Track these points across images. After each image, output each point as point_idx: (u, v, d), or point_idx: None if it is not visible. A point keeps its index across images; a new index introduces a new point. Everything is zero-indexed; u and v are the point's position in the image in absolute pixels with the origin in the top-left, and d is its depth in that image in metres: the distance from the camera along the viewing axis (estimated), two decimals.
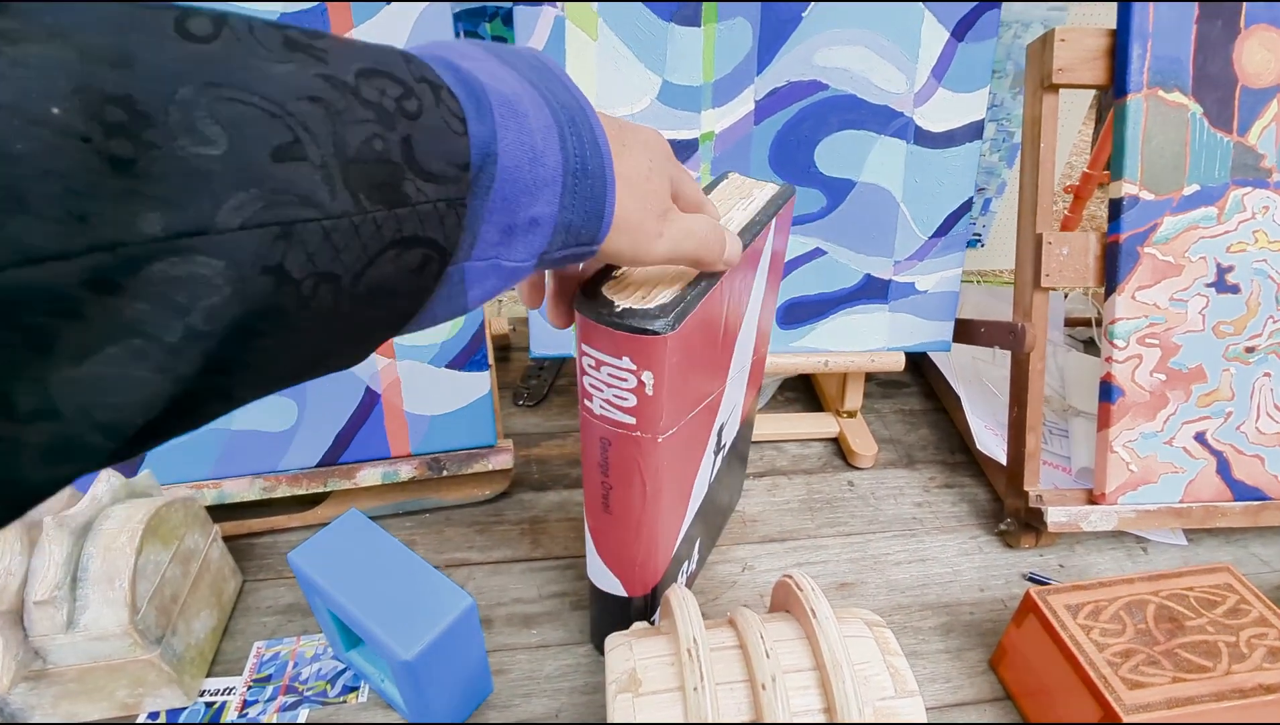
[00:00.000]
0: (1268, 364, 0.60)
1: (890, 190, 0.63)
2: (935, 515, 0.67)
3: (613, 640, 0.41)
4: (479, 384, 0.60)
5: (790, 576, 0.43)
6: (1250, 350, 0.59)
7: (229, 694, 0.49)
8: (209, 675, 0.50)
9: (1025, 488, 0.61)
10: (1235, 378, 0.60)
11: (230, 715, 0.48)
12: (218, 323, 0.16)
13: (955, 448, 0.76)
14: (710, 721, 0.35)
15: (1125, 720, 0.42)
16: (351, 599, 0.42)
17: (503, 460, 0.61)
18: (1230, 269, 0.58)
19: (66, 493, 0.46)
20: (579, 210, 0.25)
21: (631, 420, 0.35)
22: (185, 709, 0.48)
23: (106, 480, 0.47)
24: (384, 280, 0.19)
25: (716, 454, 0.47)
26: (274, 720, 0.48)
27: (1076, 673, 0.45)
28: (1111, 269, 0.58)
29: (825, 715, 0.36)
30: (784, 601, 0.44)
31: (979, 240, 2.19)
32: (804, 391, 0.83)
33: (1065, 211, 2.05)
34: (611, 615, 0.47)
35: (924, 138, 0.62)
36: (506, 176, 0.22)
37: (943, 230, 0.65)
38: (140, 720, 0.47)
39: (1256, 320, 0.59)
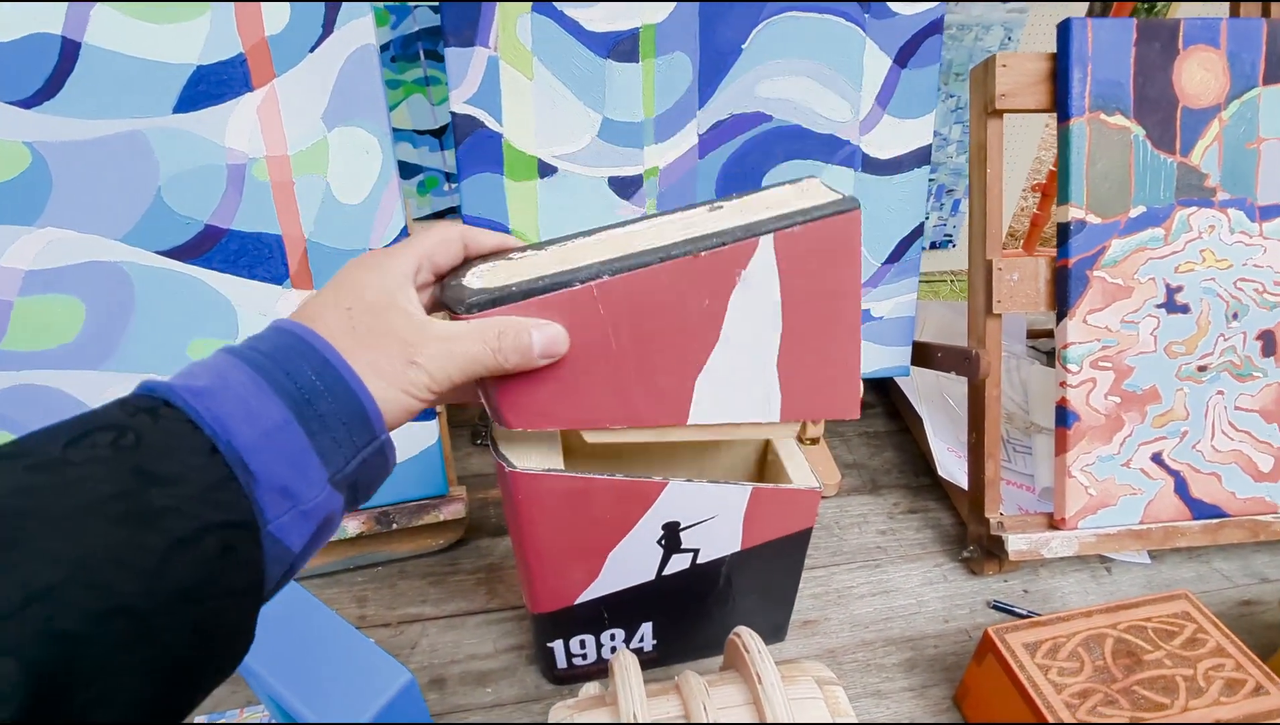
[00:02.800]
0: (1220, 382, 0.60)
1: None
2: (900, 543, 0.66)
3: (556, 713, 0.40)
4: (426, 434, 0.59)
5: (739, 635, 0.42)
6: (1203, 369, 0.59)
7: None
8: None
9: (986, 514, 0.61)
10: (1189, 397, 0.59)
11: None
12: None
13: (920, 470, 0.75)
14: None
15: None
16: (283, 680, 0.40)
17: (454, 510, 0.60)
18: (1179, 289, 0.58)
19: None
20: (335, 421, 0.25)
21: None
22: None
23: None
24: (191, 580, 0.20)
25: (669, 551, 0.45)
26: None
27: (1035, 715, 0.45)
28: (1062, 293, 0.58)
29: None
30: (733, 660, 0.43)
31: (950, 241, 2.20)
32: None
33: (1034, 210, 2.06)
34: (532, 625, 0.50)
35: (872, 165, 0.61)
36: (242, 441, 0.23)
37: (895, 256, 0.64)
38: None
39: (1207, 339, 0.59)
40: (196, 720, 0.50)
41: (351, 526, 0.57)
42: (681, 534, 0.45)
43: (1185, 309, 0.58)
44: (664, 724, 0.37)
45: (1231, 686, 0.45)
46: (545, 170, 0.57)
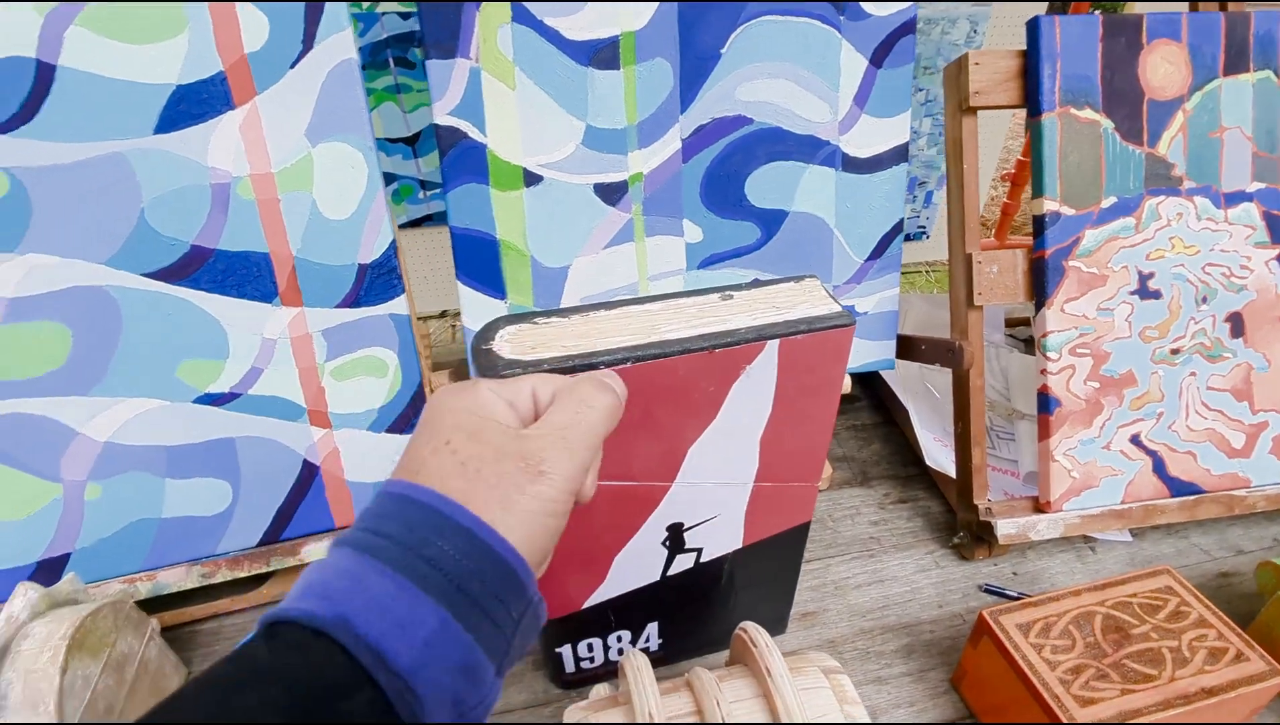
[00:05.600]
0: (1193, 363, 0.62)
1: (823, 217, 0.63)
2: (892, 533, 0.68)
3: (571, 714, 0.40)
4: None
5: (745, 630, 0.43)
6: (1175, 352, 0.61)
7: None
8: None
9: (975, 501, 0.62)
10: (1164, 379, 0.61)
11: None
12: None
13: (908, 460, 0.77)
14: None
15: None
16: None
17: None
18: (1151, 275, 0.60)
19: None
20: (491, 600, 0.23)
21: None
22: None
23: (24, 594, 0.44)
24: None
25: (673, 551, 0.46)
26: None
27: (1031, 693, 0.46)
28: (1040, 284, 0.59)
29: None
30: (740, 655, 0.43)
31: (924, 232, 2.23)
32: None
33: (1005, 199, 2.09)
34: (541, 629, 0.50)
35: (851, 164, 0.62)
36: (402, 661, 0.20)
37: (877, 252, 0.66)
38: None
39: (1179, 322, 0.61)
40: None
41: None
42: (685, 534, 0.45)
43: (1157, 295, 0.60)
44: (680, 723, 0.38)
45: (1214, 655, 0.47)
46: (531, 179, 0.57)
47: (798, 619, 0.60)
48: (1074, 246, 0.59)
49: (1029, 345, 0.92)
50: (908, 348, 0.69)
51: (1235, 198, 0.61)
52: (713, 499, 0.44)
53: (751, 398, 0.39)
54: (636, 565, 0.46)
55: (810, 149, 0.61)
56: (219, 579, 0.55)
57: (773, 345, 0.37)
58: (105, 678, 0.45)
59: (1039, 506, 0.62)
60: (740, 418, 0.40)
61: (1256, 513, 0.65)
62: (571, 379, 0.30)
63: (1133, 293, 0.60)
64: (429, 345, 1.08)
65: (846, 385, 0.68)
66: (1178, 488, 0.63)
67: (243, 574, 0.56)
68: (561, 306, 0.54)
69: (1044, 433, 0.61)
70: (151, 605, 0.55)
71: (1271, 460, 0.64)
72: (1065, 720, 0.44)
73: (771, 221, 0.63)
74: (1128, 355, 0.60)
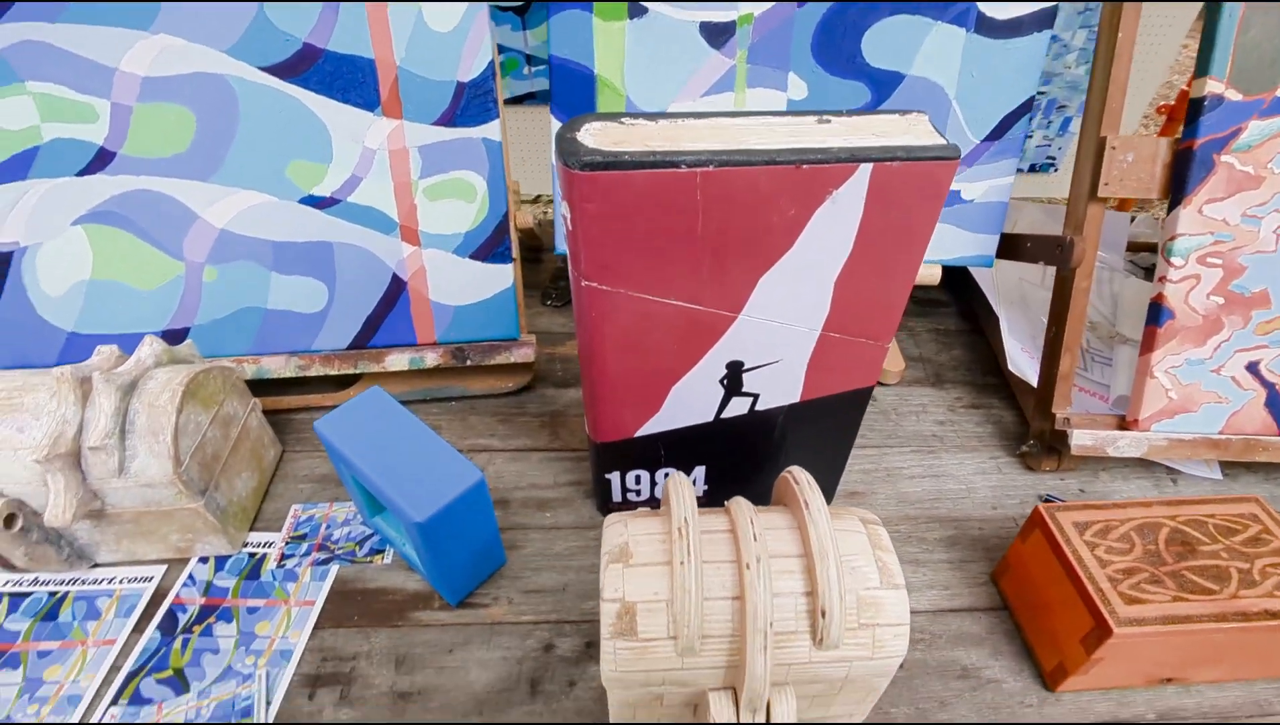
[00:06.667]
0: None
1: (942, 85, 0.58)
2: (957, 434, 0.66)
3: (611, 518, 0.43)
4: (502, 277, 0.61)
5: (790, 471, 0.43)
6: None
7: (269, 547, 0.54)
8: (252, 529, 0.55)
9: (1054, 410, 0.60)
10: None
11: (270, 565, 0.53)
12: None
13: (988, 370, 0.73)
14: (693, 594, 0.36)
15: (1116, 631, 0.42)
16: (371, 466, 0.45)
17: (525, 353, 0.63)
18: None
19: (114, 354, 0.50)
20: None
21: (566, 249, 0.38)
22: (231, 557, 0.53)
23: (150, 345, 0.50)
24: None
25: (729, 392, 0.47)
26: (309, 573, 0.52)
27: (1074, 585, 0.45)
28: (1180, 178, 0.53)
29: (807, 599, 0.38)
30: (782, 496, 0.44)
31: (1053, 164, 2.02)
32: None
33: (1155, 135, 1.87)
34: (592, 454, 0.53)
35: (986, 26, 0.56)
36: None
37: (997, 133, 0.60)
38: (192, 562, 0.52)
39: None
40: (295, 505, 0.57)
41: (430, 357, 0.61)
42: (744, 376, 0.46)
43: None
44: (711, 532, 0.40)
45: None
46: (635, 10, 0.55)
47: (844, 496, 0.60)
48: (1231, 139, 0.52)
49: (1149, 273, 0.84)
50: (1011, 246, 0.65)
51: None
52: (777, 341, 0.44)
53: (833, 230, 0.38)
54: (692, 400, 0.47)
55: (942, 3, 0.56)
56: (313, 373, 0.61)
57: (865, 169, 0.35)
58: (213, 429, 0.51)
59: (1123, 424, 0.58)
60: (818, 252, 0.39)
61: None
62: None
63: None
64: (519, 200, 1.09)
65: (935, 276, 0.65)
66: None
67: (333, 372, 0.61)
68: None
69: (1147, 346, 0.56)
70: (254, 388, 0.61)
71: None
72: (1106, 614, 0.43)
73: (885, 84, 0.58)
74: (1266, 272, 0.54)
